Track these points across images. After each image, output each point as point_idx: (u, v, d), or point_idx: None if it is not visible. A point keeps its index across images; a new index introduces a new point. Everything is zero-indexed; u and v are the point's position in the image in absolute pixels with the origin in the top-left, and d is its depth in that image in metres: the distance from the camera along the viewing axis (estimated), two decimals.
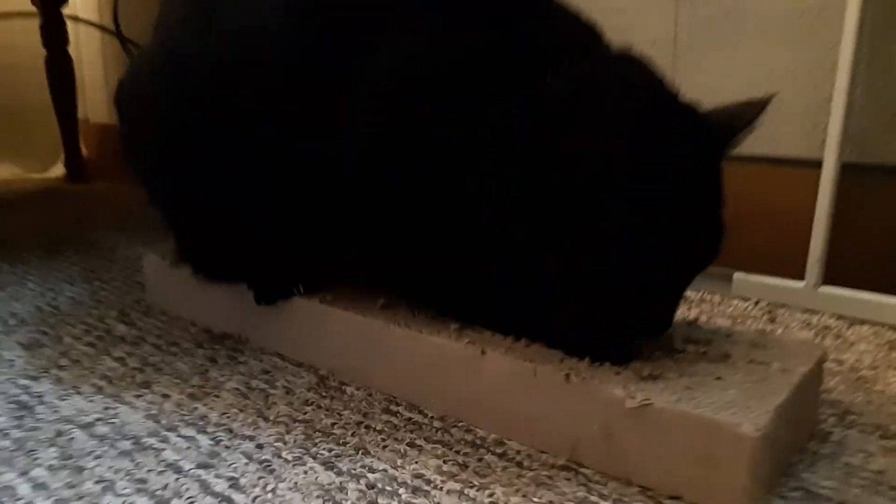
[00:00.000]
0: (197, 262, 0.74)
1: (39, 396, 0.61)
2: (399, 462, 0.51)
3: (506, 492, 0.47)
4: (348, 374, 0.64)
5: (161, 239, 0.79)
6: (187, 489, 0.47)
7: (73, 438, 0.54)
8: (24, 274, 0.99)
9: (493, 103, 0.53)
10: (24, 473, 0.49)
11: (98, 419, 0.57)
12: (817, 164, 0.81)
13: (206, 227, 0.70)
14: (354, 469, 0.50)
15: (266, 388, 0.63)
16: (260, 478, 0.49)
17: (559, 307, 0.54)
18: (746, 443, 0.43)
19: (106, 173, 1.74)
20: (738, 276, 0.88)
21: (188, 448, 0.53)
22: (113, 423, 0.56)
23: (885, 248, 0.83)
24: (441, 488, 0.47)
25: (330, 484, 0.48)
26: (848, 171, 0.80)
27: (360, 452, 0.52)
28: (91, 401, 0.60)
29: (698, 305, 0.84)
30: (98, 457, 0.51)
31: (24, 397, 0.61)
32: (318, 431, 0.55)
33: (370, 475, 0.49)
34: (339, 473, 0.49)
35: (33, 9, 1.62)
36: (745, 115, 0.52)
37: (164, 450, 0.52)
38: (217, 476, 0.49)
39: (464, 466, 0.50)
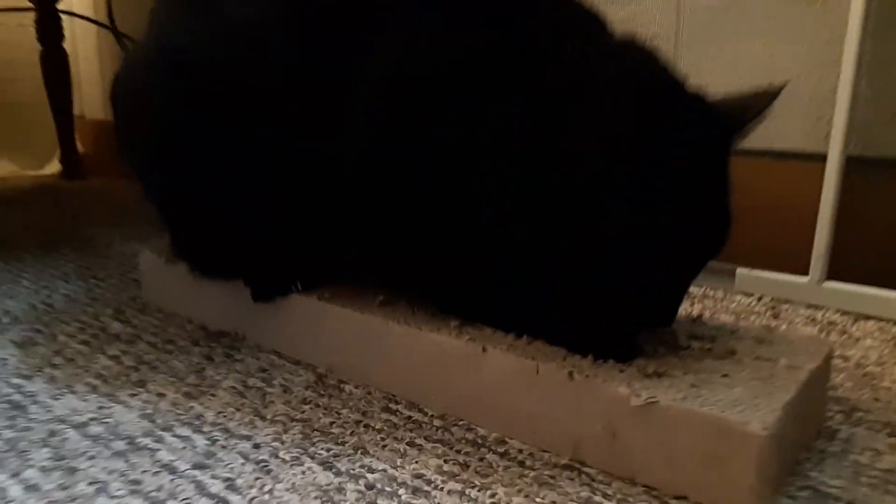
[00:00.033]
0: (192, 258, 0.73)
1: (32, 396, 0.60)
2: (399, 462, 0.50)
3: (508, 492, 0.46)
4: (347, 372, 0.63)
5: (157, 235, 0.78)
6: (182, 490, 0.46)
7: (66, 439, 0.53)
8: (18, 271, 0.98)
9: (493, 103, 0.52)
10: (15, 475, 0.48)
11: (92, 419, 0.56)
12: (821, 158, 0.80)
13: (201, 223, 0.69)
14: (353, 469, 0.49)
15: (263, 386, 0.62)
16: (257, 478, 0.48)
17: (560, 305, 0.53)
18: (754, 442, 0.42)
19: (102, 170, 1.73)
20: (742, 271, 0.87)
21: (184, 448, 0.52)
22: (107, 422, 0.55)
23: (890, 242, 0.82)
24: (442, 488, 0.46)
25: (328, 484, 0.47)
26: (852, 165, 0.79)
27: (358, 452, 0.51)
28: (85, 400, 0.59)
29: (701, 301, 0.83)
30: (91, 457, 0.50)
31: (17, 396, 0.60)
32: (317, 431, 0.54)
33: (369, 475, 0.48)
34: (338, 474, 0.48)
35: (28, 3, 1.61)
36: (755, 104, 0.51)
37: (159, 450, 0.51)
38: (213, 477, 0.48)
39: (465, 466, 0.49)
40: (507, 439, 0.53)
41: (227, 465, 0.49)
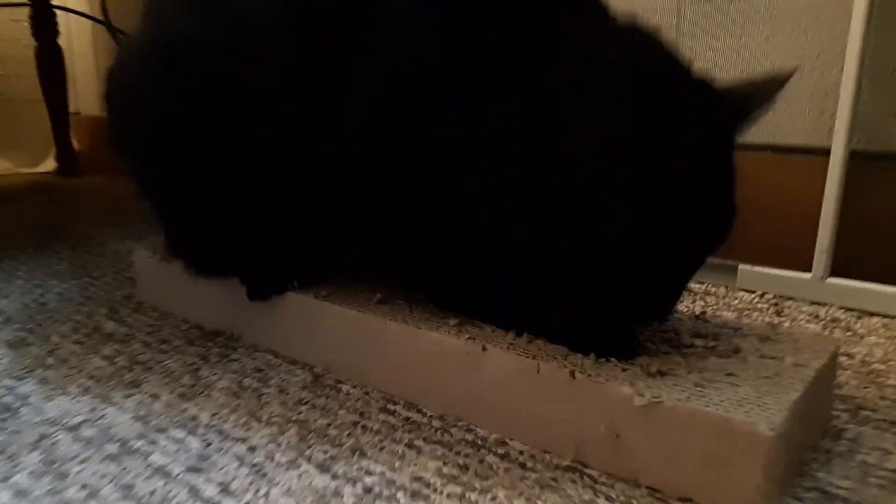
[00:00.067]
0: (187, 256, 0.72)
1: (24, 398, 0.59)
2: (397, 464, 0.49)
3: (508, 495, 0.45)
4: (344, 372, 0.62)
5: (152, 233, 0.77)
6: (176, 495, 0.45)
7: (57, 442, 0.52)
8: (11, 270, 0.96)
9: (493, 103, 0.51)
10: (4, 479, 0.47)
11: (84, 421, 0.55)
12: (824, 153, 0.79)
13: (196, 220, 0.68)
14: (350, 472, 0.48)
15: (259, 386, 0.61)
16: (252, 482, 0.47)
17: (561, 305, 0.53)
18: (761, 443, 0.41)
19: (98, 167, 1.71)
20: (743, 268, 0.86)
21: (177, 451, 0.51)
22: (99, 425, 0.54)
23: (894, 237, 0.81)
24: (441, 492, 0.45)
25: (325, 488, 0.46)
26: (856, 160, 0.78)
27: (356, 454, 0.50)
28: (77, 402, 0.58)
29: (703, 298, 0.82)
30: (83, 461, 0.49)
31: (8, 398, 0.59)
32: (313, 432, 0.53)
33: (367, 478, 0.47)
34: (335, 477, 0.47)
35: None
36: (763, 90, 0.50)
37: (152, 453, 0.50)
38: (207, 480, 0.47)
39: (464, 468, 0.48)
40: (507, 440, 0.52)
41: (222, 469, 0.48)
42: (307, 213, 0.62)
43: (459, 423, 0.54)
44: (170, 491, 0.46)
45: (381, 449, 0.51)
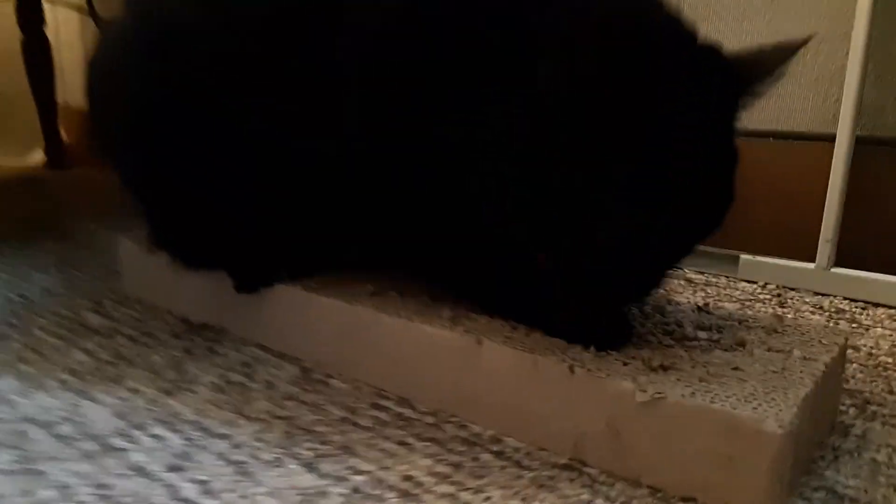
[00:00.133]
0: (173, 248, 0.70)
1: (0, 393, 0.57)
2: (387, 463, 0.47)
3: (503, 494, 0.43)
4: (334, 366, 0.60)
5: (139, 225, 0.75)
6: (154, 495, 0.43)
7: (32, 439, 0.50)
8: None
9: (493, 102, 0.50)
10: None
11: (62, 418, 0.53)
12: (829, 139, 0.77)
13: (180, 211, 0.66)
14: (338, 471, 0.46)
15: (245, 381, 0.59)
16: (234, 481, 0.45)
17: (561, 305, 0.51)
18: (769, 441, 0.39)
19: (87, 159, 1.68)
20: (745, 257, 0.84)
21: (157, 449, 0.48)
22: (77, 421, 0.52)
23: None
24: (432, 491, 0.43)
25: (310, 488, 0.44)
26: (862, 146, 0.76)
27: (344, 452, 0.48)
28: (55, 398, 0.56)
29: (703, 289, 0.80)
30: (59, 460, 0.47)
31: None
32: (300, 429, 0.51)
33: (355, 478, 0.45)
34: (322, 476, 0.45)
35: None
36: (773, 58, 0.47)
37: (131, 451, 0.48)
38: (187, 480, 0.45)
39: (457, 467, 0.46)
40: (502, 437, 0.50)
41: (203, 467, 0.46)
42: (296, 203, 0.61)
43: (453, 420, 0.52)
44: (148, 491, 0.44)
45: (371, 446, 0.49)
